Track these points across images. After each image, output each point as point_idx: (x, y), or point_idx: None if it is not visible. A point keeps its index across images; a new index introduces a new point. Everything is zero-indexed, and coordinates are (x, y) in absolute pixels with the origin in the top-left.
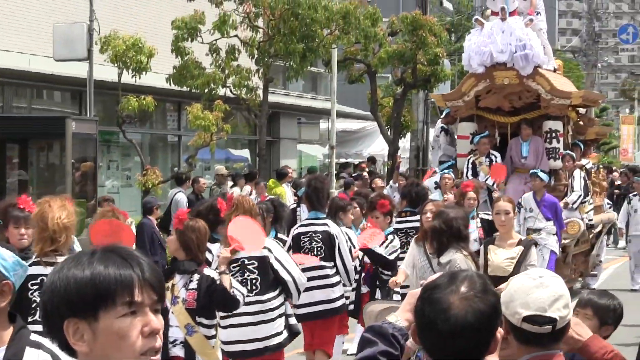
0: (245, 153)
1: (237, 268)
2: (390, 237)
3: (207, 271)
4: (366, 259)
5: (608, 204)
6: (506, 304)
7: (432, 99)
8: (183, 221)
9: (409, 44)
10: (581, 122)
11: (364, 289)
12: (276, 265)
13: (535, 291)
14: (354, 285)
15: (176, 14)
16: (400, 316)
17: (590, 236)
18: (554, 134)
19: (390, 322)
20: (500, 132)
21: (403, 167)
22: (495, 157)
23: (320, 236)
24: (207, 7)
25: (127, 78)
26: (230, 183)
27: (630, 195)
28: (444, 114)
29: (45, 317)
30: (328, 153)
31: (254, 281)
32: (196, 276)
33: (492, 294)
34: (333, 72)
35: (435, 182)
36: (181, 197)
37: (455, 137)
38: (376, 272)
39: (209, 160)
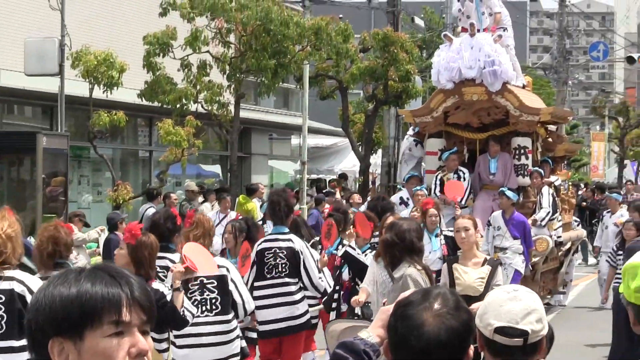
0: (216, 169)
1: (196, 287)
2: (368, 251)
3: (156, 285)
4: (344, 276)
5: (576, 220)
6: (480, 317)
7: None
8: (136, 236)
9: (381, 60)
10: (550, 139)
11: (344, 307)
12: (231, 286)
13: (508, 304)
14: (334, 305)
15: (148, 30)
16: (373, 332)
17: (559, 253)
18: (522, 151)
19: (362, 339)
20: (469, 149)
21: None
22: (464, 173)
23: (285, 252)
24: (178, 22)
25: (99, 93)
26: (200, 199)
27: (604, 212)
28: (415, 129)
29: (30, 335)
30: (299, 169)
31: (213, 301)
32: None
33: (464, 311)
34: (305, 88)
35: (401, 198)
36: (152, 212)
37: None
38: (354, 289)
39: (180, 175)
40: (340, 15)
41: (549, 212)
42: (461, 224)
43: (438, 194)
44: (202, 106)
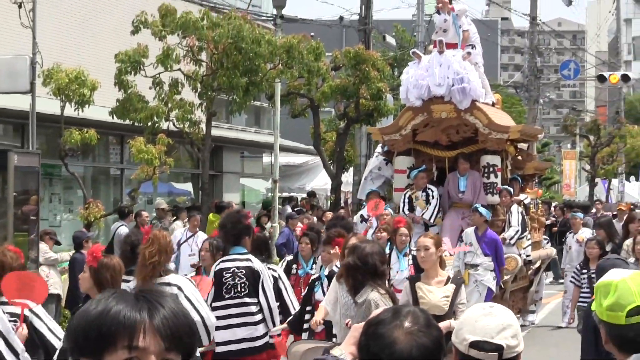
0: (188, 187)
1: None
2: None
3: None
4: (317, 296)
5: (545, 239)
6: (456, 332)
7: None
8: (97, 259)
9: (352, 78)
10: (520, 157)
11: (319, 328)
12: (186, 305)
13: (484, 319)
14: (306, 326)
15: (119, 47)
16: (345, 350)
17: (529, 272)
18: (491, 169)
19: (334, 356)
20: (438, 167)
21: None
22: (432, 191)
23: (244, 272)
24: (150, 40)
25: (70, 111)
26: (172, 217)
27: (567, 233)
28: (385, 148)
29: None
30: (271, 187)
31: None
32: None
33: (435, 328)
34: (276, 106)
35: (361, 216)
36: (124, 230)
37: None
38: None
39: (152, 193)
40: (312, 34)
41: (518, 231)
42: (421, 242)
43: (407, 212)
44: (173, 124)
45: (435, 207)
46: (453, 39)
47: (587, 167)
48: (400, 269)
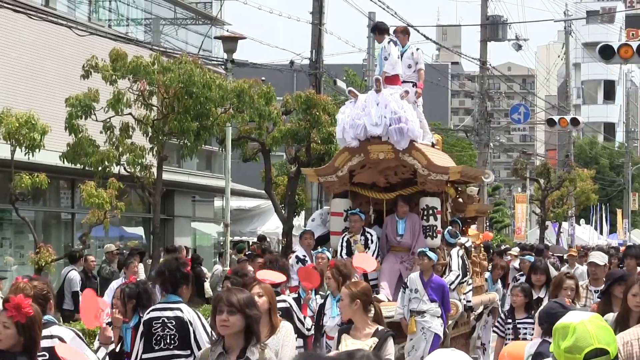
0: (139, 231)
1: None
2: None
3: None
4: None
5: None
6: None
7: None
8: (26, 314)
9: (303, 122)
10: (460, 199)
11: None
12: None
13: None
14: None
15: (70, 92)
16: None
17: (472, 318)
18: (431, 211)
19: None
20: (376, 209)
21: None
22: (372, 235)
23: (173, 322)
24: (101, 84)
25: (20, 155)
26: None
27: (517, 275)
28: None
29: None
30: (222, 231)
31: None
32: None
33: None
34: (227, 150)
35: (297, 256)
36: (74, 275)
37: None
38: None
39: (103, 238)
40: (263, 78)
41: (458, 275)
42: (343, 292)
43: (344, 256)
44: (124, 168)
45: (374, 252)
46: (394, 70)
47: (538, 210)
48: (332, 315)
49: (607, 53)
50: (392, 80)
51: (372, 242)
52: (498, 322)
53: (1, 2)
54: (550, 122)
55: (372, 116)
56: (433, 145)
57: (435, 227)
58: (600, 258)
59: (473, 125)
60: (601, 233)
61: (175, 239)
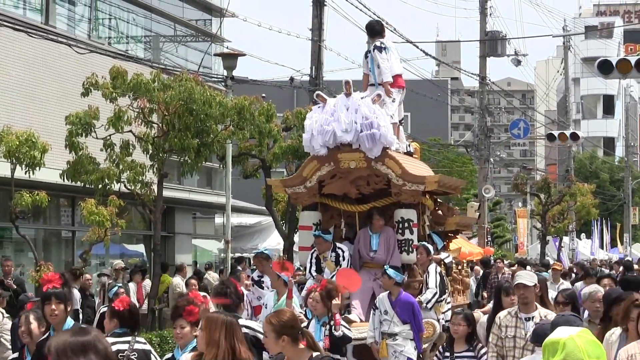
0: (140, 248)
1: None
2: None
3: None
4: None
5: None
6: None
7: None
8: None
9: None
10: (440, 211)
11: None
12: None
13: None
14: None
15: (70, 109)
16: None
17: None
18: (406, 224)
19: None
20: (347, 222)
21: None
22: (343, 251)
23: (136, 354)
24: (101, 102)
25: (21, 173)
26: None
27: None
28: None
29: None
30: (223, 248)
31: None
32: None
33: None
34: (228, 167)
35: (252, 278)
36: (74, 293)
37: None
38: None
39: (104, 255)
40: (263, 95)
41: (435, 293)
42: (265, 327)
43: (314, 274)
44: (125, 186)
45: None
46: (392, 72)
47: (538, 225)
48: (317, 339)
49: (605, 68)
50: (396, 81)
51: (343, 258)
52: (436, 355)
53: (1, 20)
54: (550, 137)
55: (341, 122)
56: (411, 155)
57: (411, 241)
58: (529, 278)
59: (473, 140)
60: (602, 247)
61: (176, 256)
